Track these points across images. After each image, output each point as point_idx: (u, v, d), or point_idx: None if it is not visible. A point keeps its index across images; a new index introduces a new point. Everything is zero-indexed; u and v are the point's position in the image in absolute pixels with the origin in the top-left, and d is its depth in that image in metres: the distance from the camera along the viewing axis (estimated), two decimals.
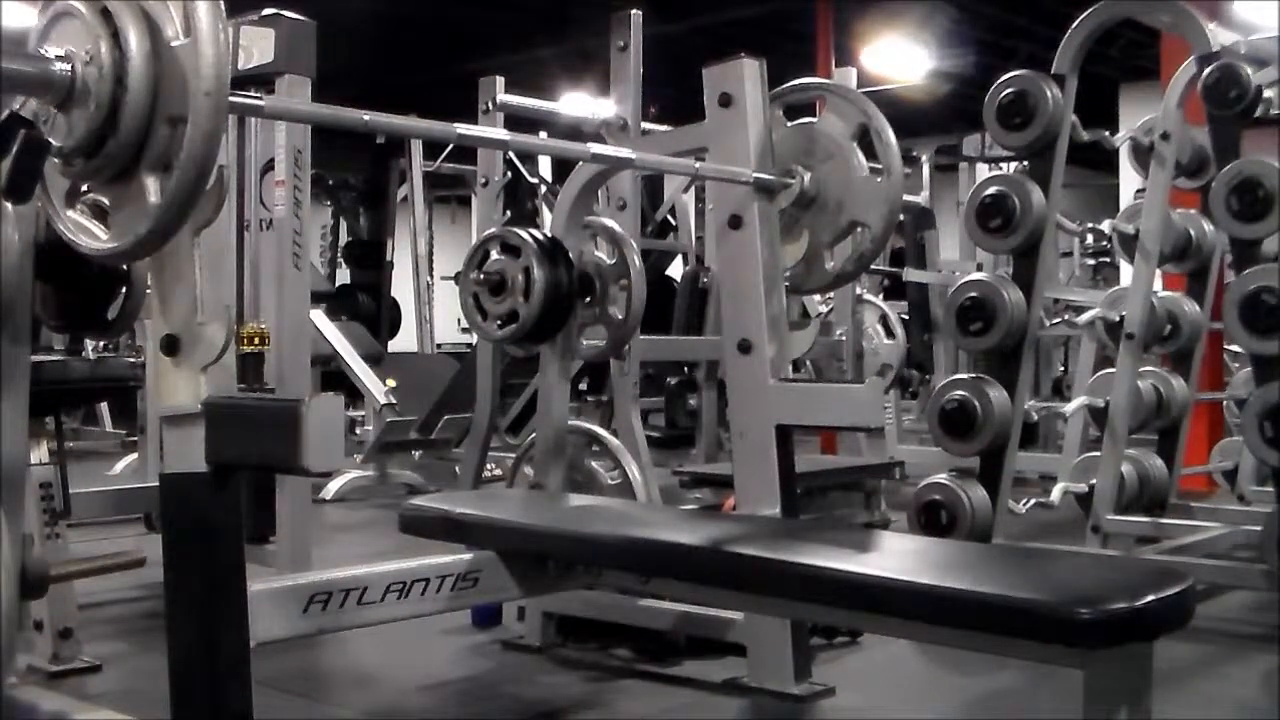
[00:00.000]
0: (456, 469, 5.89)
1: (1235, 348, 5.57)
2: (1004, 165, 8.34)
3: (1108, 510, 4.26)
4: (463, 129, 2.30)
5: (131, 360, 4.05)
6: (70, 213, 1.78)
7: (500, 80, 4.81)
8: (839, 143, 3.08)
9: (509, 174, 6.10)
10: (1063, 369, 8.44)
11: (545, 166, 8.24)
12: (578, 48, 10.21)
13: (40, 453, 2.99)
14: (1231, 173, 3.98)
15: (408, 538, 2.57)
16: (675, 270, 7.06)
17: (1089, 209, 13.27)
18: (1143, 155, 4.57)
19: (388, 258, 9.96)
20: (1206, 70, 4.07)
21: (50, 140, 1.65)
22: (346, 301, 9.32)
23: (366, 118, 2.05)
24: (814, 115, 3.27)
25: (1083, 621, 1.57)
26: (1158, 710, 1.61)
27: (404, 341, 10.11)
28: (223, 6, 1.60)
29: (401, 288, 10.04)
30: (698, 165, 3.02)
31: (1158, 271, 4.64)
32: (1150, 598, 1.62)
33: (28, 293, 2.18)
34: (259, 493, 3.56)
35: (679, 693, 2.98)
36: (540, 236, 3.16)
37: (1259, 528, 3.68)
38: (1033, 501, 4.34)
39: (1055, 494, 4.36)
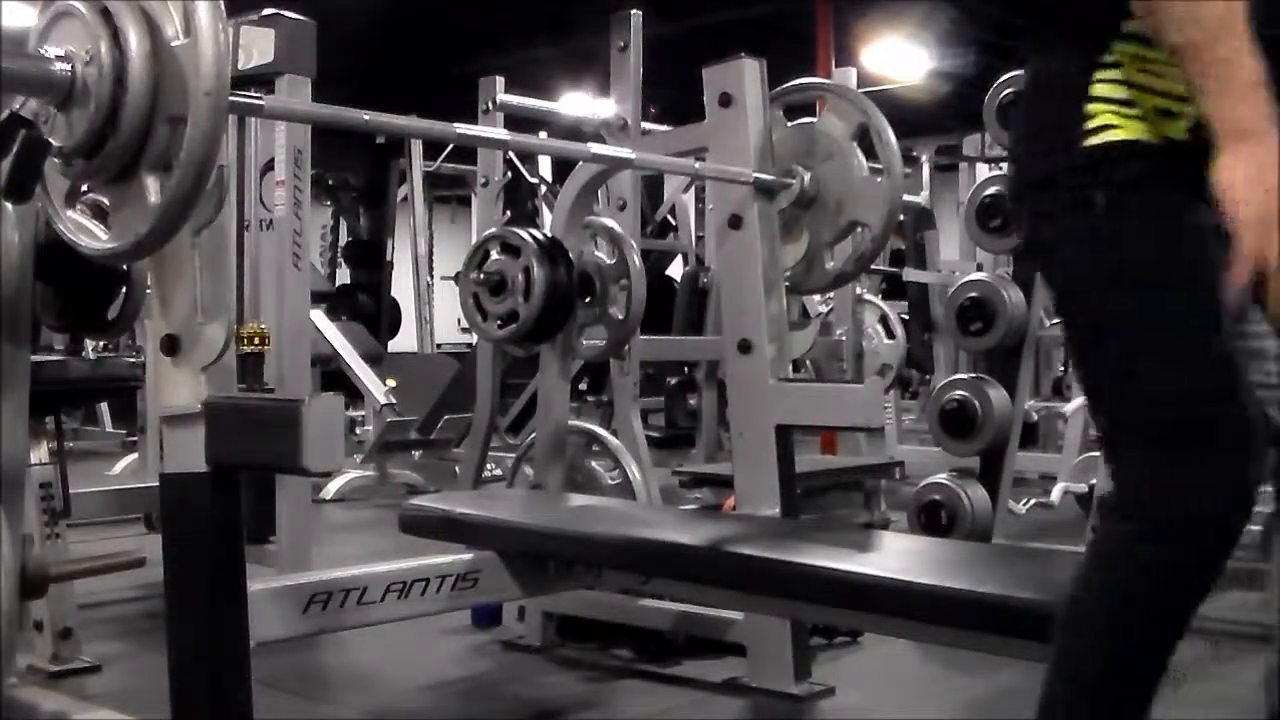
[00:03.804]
0: (456, 469, 5.89)
1: None
2: (1004, 165, 8.34)
3: None
4: (463, 129, 2.30)
5: (131, 360, 4.04)
6: (70, 213, 1.78)
7: (500, 80, 4.80)
8: (839, 143, 3.08)
9: (509, 174, 6.10)
10: (1063, 369, 8.43)
11: (545, 166, 8.24)
12: (578, 48, 10.21)
13: (40, 453, 2.98)
14: None
15: (408, 538, 2.57)
16: (675, 270, 7.07)
17: None
18: None
19: (388, 258, 9.96)
20: None
21: (50, 140, 1.65)
22: (346, 301, 9.33)
23: (366, 118, 2.05)
24: (814, 115, 3.27)
25: None
26: (1157, 710, 1.61)
27: (404, 341, 10.12)
28: (223, 6, 1.60)
29: (401, 288, 10.04)
30: (698, 165, 3.02)
31: None
32: None
33: (28, 293, 2.18)
34: (259, 493, 3.56)
35: (679, 693, 2.98)
36: (540, 236, 3.16)
37: (1259, 528, 3.68)
38: (1033, 501, 4.34)
39: (1055, 494, 4.37)
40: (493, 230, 3.36)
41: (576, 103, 9.22)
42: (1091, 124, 1.42)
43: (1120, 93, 1.41)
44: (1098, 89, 1.43)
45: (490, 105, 4.77)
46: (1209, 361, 1.36)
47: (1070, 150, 1.43)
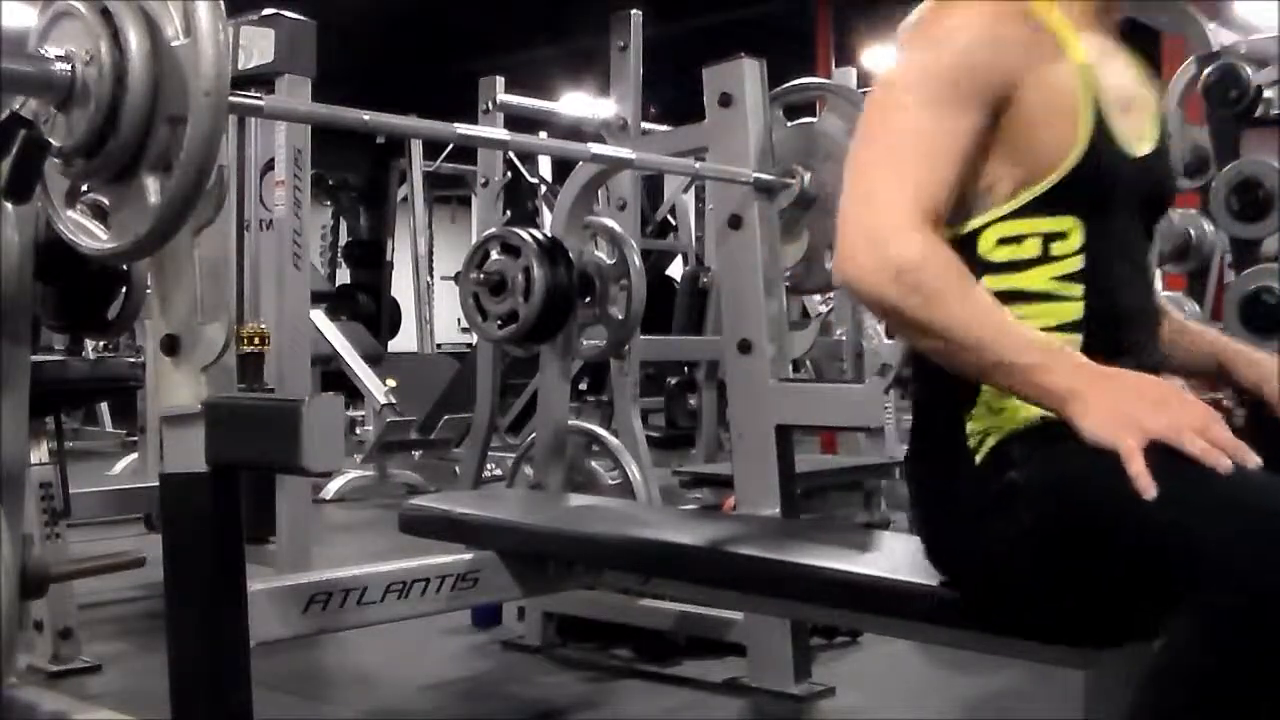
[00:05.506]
0: (456, 469, 5.89)
1: None
2: None
3: None
4: (463, 129, 2.30)
5: (131, 360, 4.04)
6: (70, 213, 1.78)
7: (500, 80, 4.80)
8: (839, 143, 3.08)
9: (509, 174, 6.09)
10: None
11: (545, 166, 8.24)
12: (578, 48, 10.21)
13: (40, 453, 2.98)
14: (1231, 173, 3.98)
15: (408, 538, 2.57)
16: (675, 270, 7.07)
17: None
18: None
19: (388, 258, 9.96)
20: (1206, 70, 4.07)
21: (50, 140, 1.65)
22: (346, 301, 9.33)
23: (366, 118, 2.04)
24: (814, 115, 3.27)
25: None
26: None
27: (404, 341, 10.12)
28: (223, 6, 1.60)
29: (401, 288, 10.04)
30: (698, 165, 3.02)
31: (1158, 271, 4.64)
32: None
33: (28, 293, 2.17)
34: (259, 493, 3.56)
35: (679, 693, 2.98)
36: (540, 236, 3.16)
37: None
38: None
39: None
40: (493, 230, 3.36)
41: (576, 103, 9.23)
42: (974, 441, 1.45)
43: (991, 401, 1.43)
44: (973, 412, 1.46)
45: (490, 105, 4.77)
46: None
47: (966, 468, 1.46)
